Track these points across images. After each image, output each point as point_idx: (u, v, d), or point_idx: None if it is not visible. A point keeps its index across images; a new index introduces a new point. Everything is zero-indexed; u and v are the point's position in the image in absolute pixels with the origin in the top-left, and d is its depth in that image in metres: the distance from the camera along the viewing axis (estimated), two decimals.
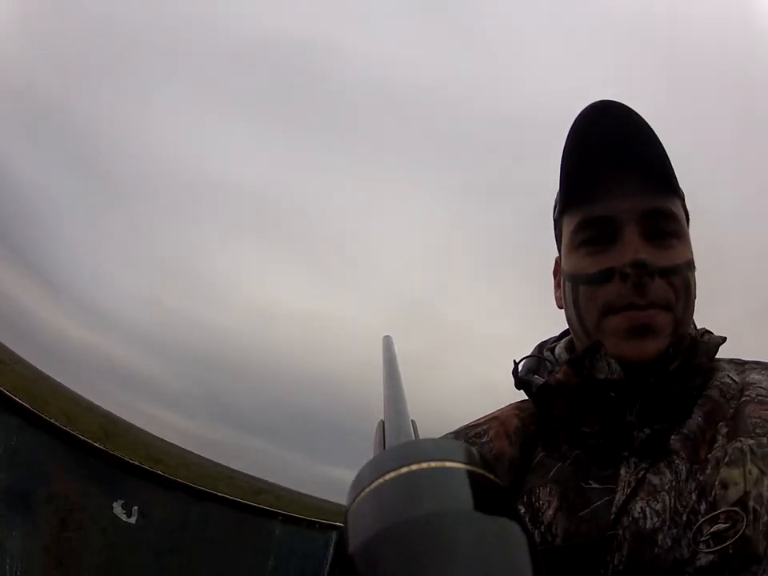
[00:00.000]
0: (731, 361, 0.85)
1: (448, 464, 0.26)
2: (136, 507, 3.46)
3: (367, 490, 0.26)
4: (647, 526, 0.69)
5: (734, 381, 0.80)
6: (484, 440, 0.86)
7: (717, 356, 0.84)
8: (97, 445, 3.12)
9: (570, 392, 0.80)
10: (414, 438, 0.35)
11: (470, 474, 0.26)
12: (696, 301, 0.81)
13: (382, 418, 0.41)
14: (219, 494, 4.27)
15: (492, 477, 0.27)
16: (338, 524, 5.28)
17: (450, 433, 0.90)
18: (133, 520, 3.44)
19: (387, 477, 0.26)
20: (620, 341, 0.76)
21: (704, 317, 0.86)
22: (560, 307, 0.88)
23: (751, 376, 0.80)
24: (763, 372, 0.80)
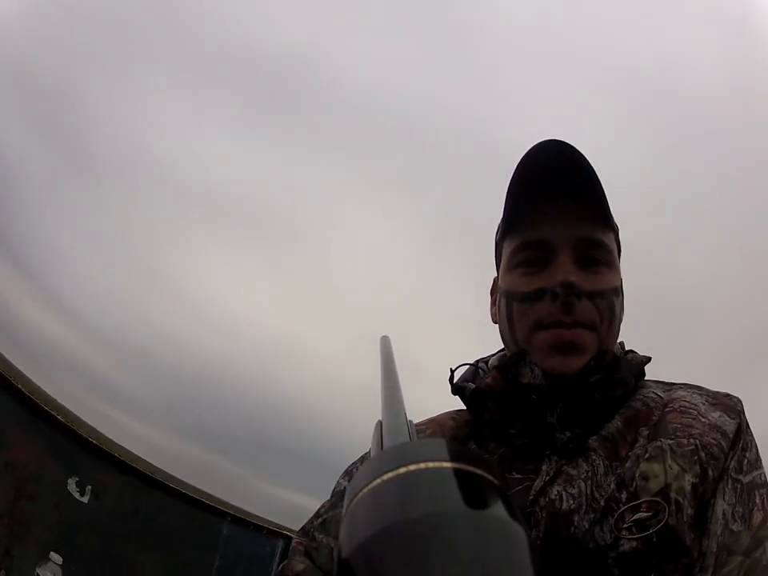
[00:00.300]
0: (660, 382, 0.90)
1: (446, 464, 0.26)
2: (90, 487, 3.45)
3: (365, 490, 0.26)
4: (563, 507, 0.73)
5: (659, 396, 0.85)
6: (420, 436, 0.93)
7: (648, 378, 0.91)
8: (59, 418, 3.12)
9: (498, 396, 0.85)
10: (411, 438, 0.36)
11: (467, 474, 0.26)
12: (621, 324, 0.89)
13: (380, 419, 0.42)
14: (171, 484, 4.27)
15: (490, 477, 0.27)
16: (285, 532, 5.28)
17: None
18: (86, 499, 3.43)
19: (385, 477, 0.26)
20: (546, 355, 0.82)
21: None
22: (495, 322, 0.94)
23: (677, 393, 0.85)
24: (689, 390, 0.86)
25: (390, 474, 0.26)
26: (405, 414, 0.40)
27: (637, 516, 0.70)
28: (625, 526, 0.70)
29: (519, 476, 0.79)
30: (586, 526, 0.72)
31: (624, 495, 0.73)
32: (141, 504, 3.97)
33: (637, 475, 0.74)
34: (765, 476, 0.78)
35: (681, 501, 0.71)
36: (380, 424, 0.41)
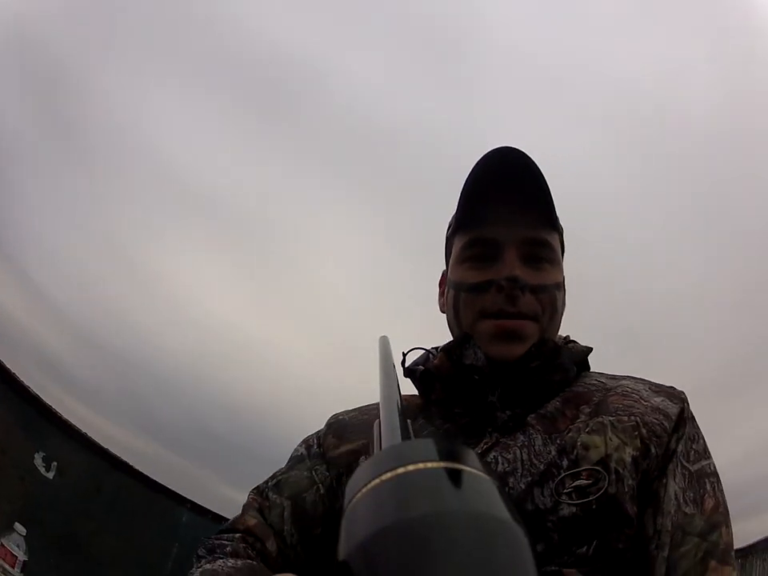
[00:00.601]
0: (605, 374, 0.94)
1: (444, 464, 0.26)
2: (55, 463, 3.50)
3: (364, 490, 0.26)
4: (498, 469, 0.77)
5: (601, 382, 0.89)
6: (374, 413, 0.96)
7: (594, 371, 0.95)
8: (31, 389, 3.17)
9: (444, 377, 0.90)
10: (410, 438, 0.36)
11: (466, 474, 0.26)
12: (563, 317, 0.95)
13: (379, 419, 0.42)
14: (133, 465, 4.31)
15: (489, 477, 0.27)
16: None
17: (351, 410, 0.99)
18: (50, 475, 3.48)
19: (384, 477, 0.26)
20: (490, 342, 0.86)
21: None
22: (442, 312, 0.99)
23: (621, 382, 0.89)
24: (633, 380, 0.90)
25: (388, 474, 0.26)
26: (404, 413, 0.40)
27: (577, 483, 0.73)
28: (565, 491, 0.73)
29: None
30: (522, 487, 0.75)
31: (565, 462, 0.76)
32: (103, 484, 4.02)
33: (578, 444, 0.77)
34: (714, 467, 0.80)
35: (621, 471, 0.74)
36: (379, 423, 0.41)
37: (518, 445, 0.80)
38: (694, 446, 0.81)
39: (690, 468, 0.78)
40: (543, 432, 0.81)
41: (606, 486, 0.72)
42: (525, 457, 0.78)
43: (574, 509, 0.71)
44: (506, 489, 0.75)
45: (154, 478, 4.71)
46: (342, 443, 0.90)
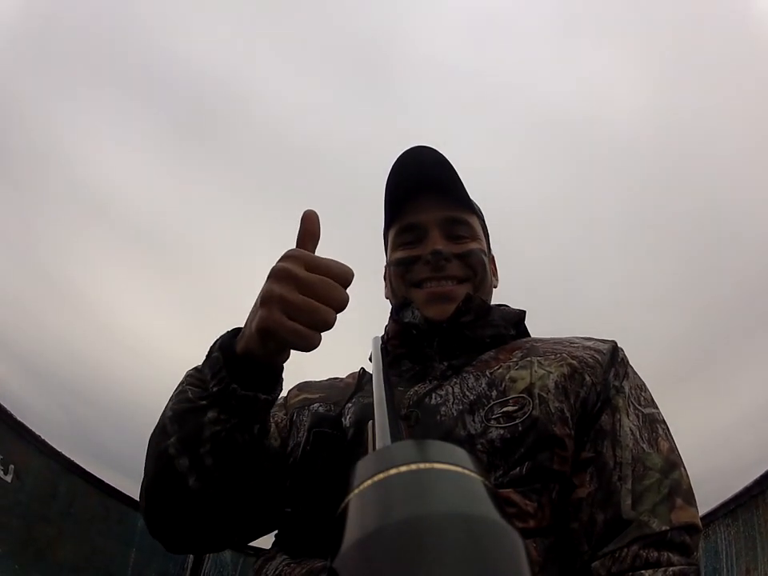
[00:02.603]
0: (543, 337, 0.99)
1: (437, 465, 0.26)
2: (12, 466, 3.49)
3: (356, 491, 0.26)
4: (431, 403, 0.84)
5: (537, 339, 0.97)
6: (340, 381, 1.07)
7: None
8: None
9: (391, 336, 1.00)
10: (402, 439, 0.36)
11: (458, 475, 0.26)
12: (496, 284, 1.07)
13: (372, 420, 0.42)
14: (88, 470, 4.28)
15: (481, 478, 0.27)
16: None
17: (326, 379, 1.08)
18: (9, 478, 3.46)
19: (376, 479, 0.26)
20: (424, 306, 0.95)
21: None
22: (387, 298, 1.09)
23: (555, 338, 0.96)
24: (568, 337, 0.96)
25: (380, 476, 0.26)
26: (396, 414, 0.41)
27: (505, 409, 0.79)
28: (494, 417, 0.78)
29: (402, 389, 0.90)
30: (454, 414, 0.81)
31: (494, 393, 0.82)
32: (59, 488, 3.99)
33: (506, 378, 0.84)
34: (663, 416, 0.83)
35: (545, 396, 0.79)
36: (372, 424, 0.41)
37: (451, 384, 0.87)
38: (643, 394, 0.85)
39: (643, 411, 0.82)
40: (475, 371, 0.88)
41: (531, 410, 0.78)
42: (457, 390, 0.85)
43: (501, 431, 0.77)
44: (438, 417, 0.82)
45: (109, 483, 4.68)
46: (301, 393, 1.02)
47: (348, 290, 0.63)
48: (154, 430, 0.77)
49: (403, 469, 0.26)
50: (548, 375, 0.82)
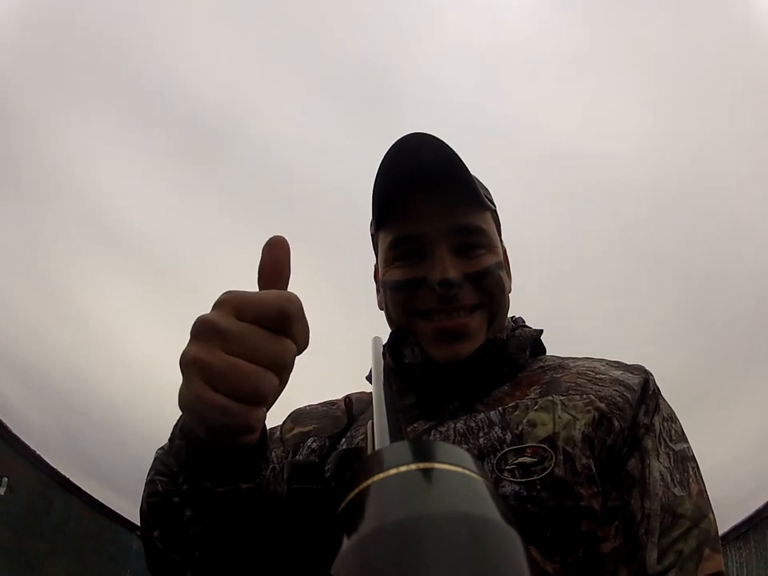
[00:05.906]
0: (561, 356, 0.89)
1: (437, 466, 0.26)
2: (6, 479, 3.49)
3: (356, 491, 0.26)
4: (432, 438, 0.74)
5: (556, 364, 0.84)
6: (335, 406, 0.94)
7: (552, 354, 0.90)
8: None
9: (392, 372, 0.86)
10: (401, 439, 0.36)
11: (457, 475, 0.26)
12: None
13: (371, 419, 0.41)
14: (82, 487, 4.26)
15: (481, 478, 0.26)
16: None
17: (314, 403, 0.97)
18: (2, 491, 3.46)
19: (375, 479, 0.26)
20: (431, 344, 0.81)
21: None
22: (381, 309, 0.92)
23: (577, 362, 0.83)
24: (590, 359, 0.85)
25: (380, 476, 0.26)
26: (396, 413, 0.40)
27: (521, 459, 0.67)
28: (507, 467, 0.67)
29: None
30: None
31: (509, 437, 0.70)
32: (54, 504, 3.97)
33: (524, 421, 0.71)
34: (692, 451, 0.75)
35: (571, 451, 0.67)
36: (372, 424, 0.40)
37: (455, 420, 0.76)
38: (673, 426, 0.76)
39: (674, 448, 0.73)
40: (487, 409, 0.76)
41: (553, 466, 0.66)
42: (460, 426, 0.74)
43: (516, 487, 0.65)
44: None
45: (103, 502, 4.65)
46: (295, 426, 0.91)
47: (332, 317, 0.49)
48: (140, 506, 0.66)
49: (403, 469, 0.26)
50: (574, 423, 0.70)
